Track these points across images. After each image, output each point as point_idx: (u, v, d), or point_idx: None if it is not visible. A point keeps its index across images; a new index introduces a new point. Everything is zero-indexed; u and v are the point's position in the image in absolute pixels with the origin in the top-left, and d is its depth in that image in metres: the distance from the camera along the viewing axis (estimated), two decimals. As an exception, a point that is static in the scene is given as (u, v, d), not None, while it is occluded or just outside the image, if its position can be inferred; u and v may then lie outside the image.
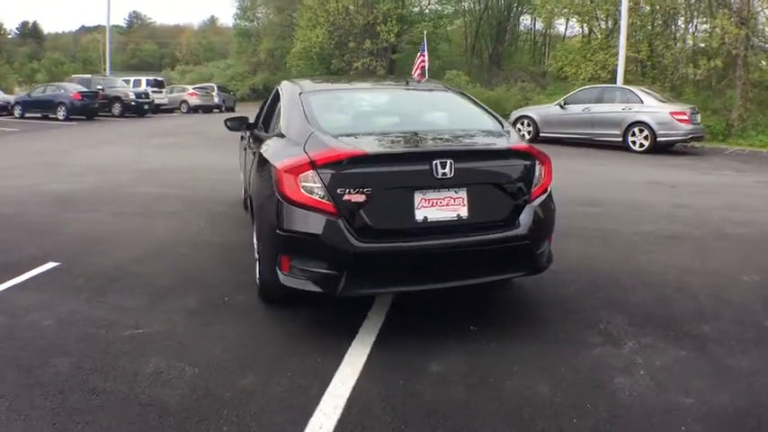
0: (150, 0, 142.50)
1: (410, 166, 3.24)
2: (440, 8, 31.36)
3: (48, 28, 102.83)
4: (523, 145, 3.63)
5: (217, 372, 3.09)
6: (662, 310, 3.91)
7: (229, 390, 2.91)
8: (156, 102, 29.29)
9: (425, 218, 3.21)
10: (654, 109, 13.29)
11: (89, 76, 29.94)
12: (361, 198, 3.11)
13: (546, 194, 3.63)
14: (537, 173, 3.54)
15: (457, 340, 3.43)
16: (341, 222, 3.11)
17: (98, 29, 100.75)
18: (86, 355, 3.27)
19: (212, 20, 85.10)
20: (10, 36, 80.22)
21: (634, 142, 13.40)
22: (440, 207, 3.24)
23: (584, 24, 24.30)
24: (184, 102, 32.25)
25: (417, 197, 3.20)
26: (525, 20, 35.60)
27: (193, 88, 34.24)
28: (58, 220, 6.36)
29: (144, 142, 15.06)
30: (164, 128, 19.86)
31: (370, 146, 3.36)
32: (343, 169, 3.13)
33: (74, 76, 29.84)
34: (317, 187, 3.13)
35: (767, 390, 2.91)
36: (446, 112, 4.38)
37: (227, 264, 4.78)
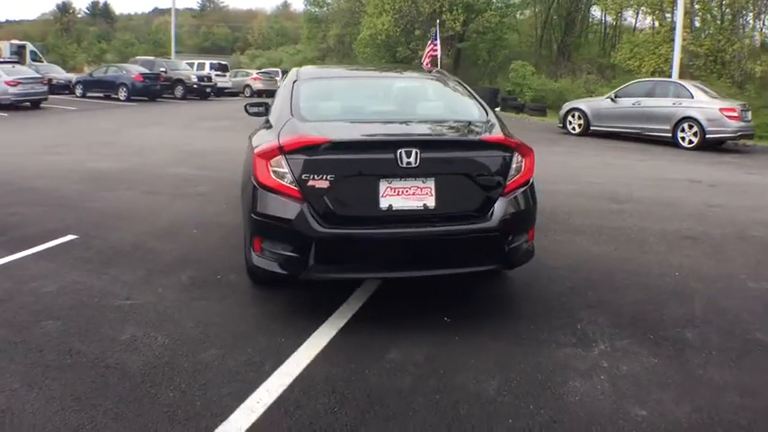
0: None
1: (375, 154, 3.33)
2: None
3: (120, 9, 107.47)
4: (497, 136, 3.62)
5: (184, 343, 3.33)
6: (650, 313, 3.83)
7: (189, 361, 3.14)
8: (220, 85, 30.43)
9: (390, 206, 3.30)
10: (703, 105, 12.90)
11: (152, 58, 31.48)
12: (325, 184, 3.24)
13: (524, 187, 3.61)
14: (514, 165, 3.53)
15: (425, 331, 3.50)
16: (306, 207, 3.26)
17: (170, 11, 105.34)
18: (74, 321, 3.60)
19: (285, 5, 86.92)
20: (80, 16, 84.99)
21: (683, 138, 13.02)
22: (406, 196, 3.31)
23: (652, 17, 23.39)
24: (248, 86, 33.31)
25: (383, 185, 3.29)
26: (595, 11, 34.55)
27: (257, 73, 35.33)
28: (88, 197, 6.87)
29: (197, 124, 15.78)
30: (221, 111, 20.64)
31: (337, 133, 3.46)
32: (308, 156, 3.27)
33: (137, 57, 31.42)
34: (286, 173, 3.29)
35: (733, 406, 2.80)
36: (434, 102, 4.44)
37: (233, 245, 5.01)
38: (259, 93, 32.84)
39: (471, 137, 3.67)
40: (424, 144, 3.36)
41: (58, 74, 26.73)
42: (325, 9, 43.72)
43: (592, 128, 14.77)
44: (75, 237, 5.27)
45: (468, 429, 2.58)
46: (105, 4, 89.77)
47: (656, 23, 23.40)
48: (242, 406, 2.73)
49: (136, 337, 3.42)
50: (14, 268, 4.51)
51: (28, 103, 18.81)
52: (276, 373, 3.03)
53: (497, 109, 24.11)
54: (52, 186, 7.45)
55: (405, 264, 3.43)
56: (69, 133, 13.47)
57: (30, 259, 4.70)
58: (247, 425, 2.60)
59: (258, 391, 2.86)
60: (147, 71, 25.35)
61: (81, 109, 19.62)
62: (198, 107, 22.38)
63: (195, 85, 27.65)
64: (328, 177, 3.24)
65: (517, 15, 32.23)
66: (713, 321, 3.74)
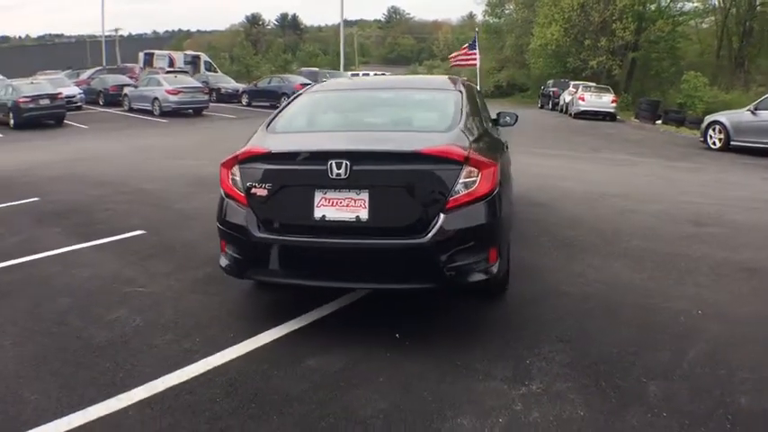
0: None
1: (309, 165, 3.59)
2: (681, 5, 28.86)
3: (310, 21, 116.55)
4: (437, 148, 3.53)
5: (151, 327, 3.96)
6: (624, 357, 3.52)
7: (143, 342, 3.75)
8: None
9: (324, 216, 3.53)
10: None
11: (316, 69, 34.19)
12: (264, 192, 3.61)
13: (478, 203, 3.53)
14: (461, 180, 3.49)
15: (367, 343, 3.68)
16: (249, 213, 3.67)
17: (358, 23, 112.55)
18: (83, 300, 4.46)
19: (470, 16, 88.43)
20: (269, 27, 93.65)
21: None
22: (339, 207, 3.51)
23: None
24: (411, 96, 34.32)
25: (318, 196, 3.54)
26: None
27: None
28: (182, 199, 8.05)
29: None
30: None
31: (280, 144, 3.83)
32: (253, 165, 3.69)
33: (303, 69, 34.19)
34: (238, 181, 3.76)
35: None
36: (416, 113, 4.57)
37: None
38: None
39: (407, 148, 3.60)
40: (354, 156, 3.49)
41: (227, 83, 29.94)
42: (502, 20, 43.99)
43: (732, 143, 13.63)
44: (143, 233, 6.28)
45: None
46: (294, 16, 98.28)
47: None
48: (151, 383, 3.24)
49: (119, 318, 4.14)
50: (73, 255, 5.61)
51: (190, 111, 21.66)
52: (201, 362, 3.48)
53: (658, 122, 22.44)
54: (158, 188, 8.78)
55: (334, 274, 3.63)
56: (210, 140, 15.42)
57: (91, 249, 5.78)
58: (142, 397, 3.11)
59: (174, 373, 3.34)
60: (309, 82, 27.59)
61: (239, 117, 22.20)
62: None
63: (355, 95, 29.23)
64: (267, 186, 3.62)
65: (695, 24, 29.72)
66: (697, 376, 3.32)
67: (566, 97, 25.92)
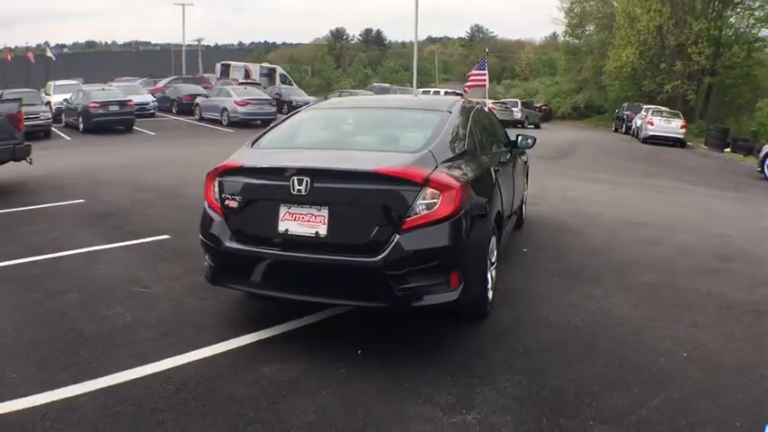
0: (494, 14, 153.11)
1: (275, 180, 3.83)
2: (757, 31, 27.58)
3: (393, 36, 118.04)
4: (394, 169, 3.65)
5: (138, 325, 4.33)
6: (582, 395, 3.46)
7: (126, 338, 4.12)
8: None
9: (287, 230, 3.77)
10: None
11: (387, 85, 34.63)
12: (236, 204, 3.92)
13: (437, 225, 3.61)
14: (420, 201, 3.60)
15: (325, 357, 3.84)
16: (223, 223, 3.98)
17: (442, 40, 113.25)
18: (90, 296, 4.91)
19: (554, 36, 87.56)
20: (353, 42, 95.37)
21: None
22: (301, 222, 3.74)
23: None
24: (482, 114, 34.39)
25: (282, 210, 3.79)
26: None
27: (493, 102, 36.46)
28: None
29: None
30: None
31: (253, 160, 4.11)
32: (227, 178, 4.01)
33: (374, 84, 34.79)
34: (216, 192, 4.07)
35: None
36: (395, 133, 4.72)
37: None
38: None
39: (365, 168, 3.73)
40: (314, 173, 3.71)
41: (299, 96, 30.90)
42: (581, 41, 43.36)
43: None
44: (168, 237, 6.74)
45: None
46: (378, 32, 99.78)
47: None
48: (115, 374, 3.59)
49: (114, 314, 4.54)
50: (96, 254, 6.15)
51: (258, 122, 22.58)
52: (166, 360, 3.79)
53: (726, 150, 21.49)
54: (196, 194, 9.20)
55: (293, 286, 3.86)
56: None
57: (114, 249, 6.29)
58: (103, 386, 3.45)
59: (138, 368, 3.67)
60: (377, 96, 28.09)
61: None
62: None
63: (424, 112, 29.57)
64: (239, 198, 3.92)
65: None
66: (651, 426, 3.21)
67: (637, 121, 25.26)
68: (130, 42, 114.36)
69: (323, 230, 3.72)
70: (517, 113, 36.53)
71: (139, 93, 25.18)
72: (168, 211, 8.13)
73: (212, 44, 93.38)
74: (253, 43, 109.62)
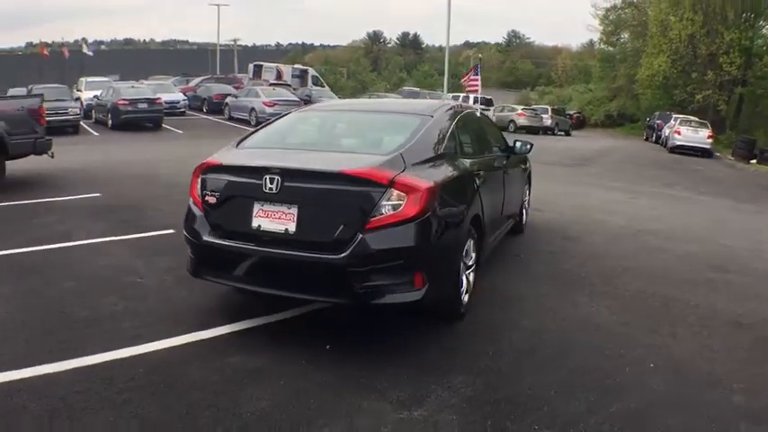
0: (531, 20, 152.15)
1: (249, 178, 4.02)
2: None
3: (430, 40, 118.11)
4: (360, 170, 3.78)
5: (124, 312, 4.56)
6: (536, 400, 3.48)
7: (110, 324, 4.35)
8: None
9: (259, 226, 3.96)
10: None
11: (417, 89, 34.64)
12: (213, 200, 4.12)
13: (402, 226, 3.71)
14: (385, 201, 3.72)
15: (292, 350, 3.99)
16: (203, 218, 4.19)
17: (479, 45, 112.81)
18: (86, 284, 5.18)
19: (591, 43, 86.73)
20: (389, 45, 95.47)
21: None
22: (273, 219, 3.92)
23: None
24: (512, 121, 34.51)
25: (256, 207, 3.97)
26: None
27: (522, 109, 36.31)
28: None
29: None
30: None
31: (232, 159, 4.30)
32: (209, 175, 4.22)
33: (404, 88, 34.89)
34: (198, 188, 4.27)
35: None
36: (373, 136, 4.85)
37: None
38: (522, 129, 33.74)
39: (332, 168, 3.88)
40: (285, 172, 3.88)
41: (329, 98, 30.95)
42: (616, 48, 42.83)
43: None
44: (172, 232, 6.94)
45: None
46: (415, 35, 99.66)
47: None
48: (93, 356, 3.81)
49: (107, 301, 4.79)
50: (101, 246, 6.44)
51: (286, 123, 22.64)
52: (142, 346, 4.00)
53: (753, 161, 21.00)
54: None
55: (264, 280, 4.03)
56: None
57: (118, 242, 6.60)
58: (78, 365, 3.69)
59: (114, 351, 3.88)
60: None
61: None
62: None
63: (449, 118, 29.58)
64: (217, 195, 4.12)
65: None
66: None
67: (666, 130, 24.89)
68: (169, 41, 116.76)
69: (292, 227, 3.87)
70: (547, 120, 36.22)
71: (170, 91, 25.79)
72: (181, 208, 8.22)
73: (250, 44, 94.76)
74: (290, 44, 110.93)
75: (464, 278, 4.51)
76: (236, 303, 4.84)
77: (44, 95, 10.81)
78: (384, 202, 3.73)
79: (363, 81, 63.52)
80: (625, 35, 42.02)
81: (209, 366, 3.75)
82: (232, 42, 63.70)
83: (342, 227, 3.75)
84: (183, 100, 25.87)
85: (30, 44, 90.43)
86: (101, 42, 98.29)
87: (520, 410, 3.36)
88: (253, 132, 4.91)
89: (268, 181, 3.88)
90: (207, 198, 4.17)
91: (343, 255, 3.70)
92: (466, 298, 4.60)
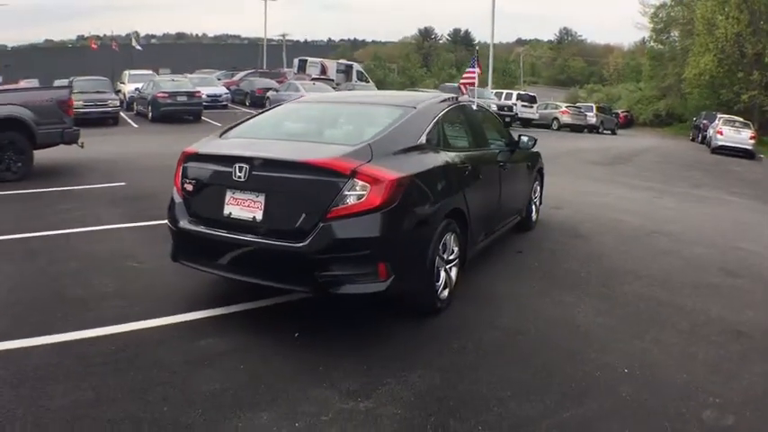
0: (583, 18, 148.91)
1: (222, 167, 4.13)
2: None
3: (482, 37, 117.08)
4: (323, 160, 3.82)
5: (115, 294, 4.76)
6: (490, 400, 3.40)
7: (99, 304, 4.55)
8: (526, 116, 32.13)
9: (230, 213, 4.06)
10: None
11: (456, 85, 34.20)
12: (191, 188, 4.26)
13: (362, 216, 3.73)
14: (347, 192, 3.74)
15: (260, 337, 4.08)
16: (181, 205, 4.34)
17: (530, 42, 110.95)
18: (87, 266, 5.43)
19: (643, 41, 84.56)
20: (441, 42, 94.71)
21: None
22: (243, 207, 4.01)
23: None
24: (556, 119, 33.98)
25: (228, 195, 4.08)
26: None
27: (566, 106, 35.67)
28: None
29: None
30: None
31: (208, 148, 4.43)
32: (189, 164, 4.36)
33: (445, 84, 34.60)
34: (180, 176, 4.40)
35: None
36: (350, 127, 4.91)
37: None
38: (565, 126, 33.24)
39: (297, 158, 3.93)
40: (253, 161, 3.97)
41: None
42: (665, 47, 41.55)
43: None
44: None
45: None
46: (467, 32, 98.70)
47: None
48: (73, 332, 4.01)
49: (101, 283, 5.01)
50: (111, 231, 6.69)
51: (322, 117, 22.80)
52: (122, 325, 4.16)
53: None
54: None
55: (234, 267, 4.12)
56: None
57: (128, 228, 6.86)
58: (58, 341, 3.89)
59: (95, 329, 4.07)
60: (445, 95, 27.94)
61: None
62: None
63: (495, 114, 29.40)
64: (194, 182, 4.25)
65: None
66: None
67: (710, 131, 24.06)
68: (221, 35, 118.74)
69: (259, 215, 3.96)
70: (591, 118, 35.49)
71: (213, 85, 26.30)
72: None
73: (302, 40, 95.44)
74: (342, 40, 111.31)
75: (442, 273, 4.46)
76: (223, 290, 4.93)
77: (80, 87, 11.17)
78: (347, 192, 3.75)
79: (412, 77, 63.27)
80: (674, 33, 40.66)
81: (177, 348, 3.88)
82: (281, 37, 64.50)
83: (304, 216, 3.80)
84: (225, 93, 26.34)
85: (81, 37, 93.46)
86: (152, 36, 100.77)
87: (468, 409, 3.30)
88: (240, 122, 4.98)
89: (237, 169, 3.97)
90: (185, 185, 4.28)
91: (303, 243, 3.74)
92: (445, 293, 4.56)
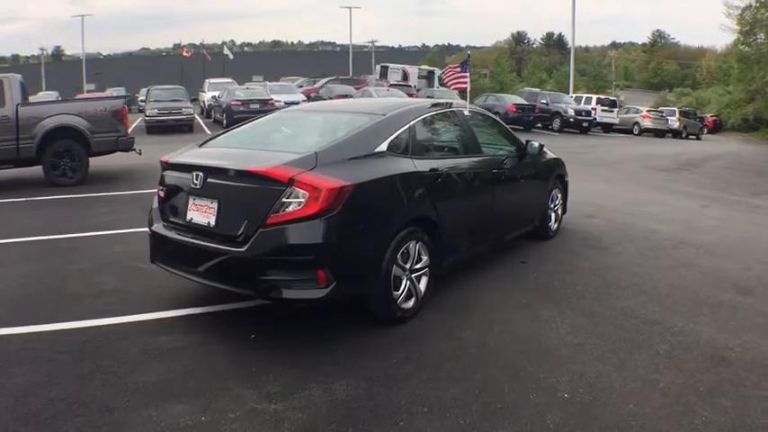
0: (677, 20, 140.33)
1: (185, 174, 4.40)
2: None
3: (577, 41, 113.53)
4: (262, 168, 3.91)
5: (111, 291, 5.17)
6: (392, 414, 3.33)
7: (92, 299, 4.95)
8: (606, 121, 31.20)
9: (191, 219, 4.34)
10: None
11: (538, 90, 33.48)
12: (163, 194, 4.60)
13: (300, 223, 3.76)
14: (286, 199, 3.82)
15: (219, 337, 4.23)
16: (157, 209, 4.71)
17: (624, 46, 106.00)
18: (96, 266, 5.94)
19: (734, 43, 79.25)
20: (534, 46, 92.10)
21: None
22: (201, 212, 4.27)
23: None
24: (636, 123, 32.56)
25: (191, 201, 4.36)
26: None
27: (647, 110, 33.95)
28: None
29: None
30: (581, 147, 20.98)
31: (177, 156, 4.70)
32: (163, 171, 4.73)
33: (524, 89, 33.71)
34: (159, 182, 4.61)
35: None
36: (313, 136, 4.94)
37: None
38: (647, 131, 31.82)
39: (239, 166, 4.07)
40: (206, 170, 4.23)
41: (449, 99, 30.52)
42: (752, 49, 38.40)
43: None
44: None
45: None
46: (560, 36, 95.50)
47: None
48: (57, 324, 4.38)
49: (103, 281, 5.47)
50: (130, 235, 7.02)
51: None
52: (96, 320, 4.47)
53: None
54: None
55: (193, 269, 4.31)
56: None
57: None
58: (42, 330, 4.28)
59: (75, 322, 4.43)
60: (523, 102, 27.35)
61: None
62: (564, 141, 23.57)
63: (571, 119, 28.67)
64: (165, 189, 4.62)
65: None
66: None
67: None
68: (316, 42, 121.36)
69: (212, 221, 4.20)
70: (673, 123, 33.58)
71: (292, 92, 26.98)
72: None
73: (395, 45, 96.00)
74: (437, 45, 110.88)
75: (404, 281, 4.36)
76: (209, 291, 5.10)
77: (156, 96, 11.75)
78: (285, 200, 3.84)
79: (502, 82, 61.75)
80: (761, 35, 37.40)
81: (138, 342, 4.18)
82: (369, 44, 65.14)
83: (247, 222, 3.96)
84: (303, 100, 26.91)
85: (177, 45, 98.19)
86: (248, 44, 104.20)
87: (374, 421, 3.23)
88: (221, 132, 5.12)
89: (194, 177, 4.26)
90: (160, 192, 4.53)
91: (244, 248, 3.90)
92: (410, 303, 4.48)
